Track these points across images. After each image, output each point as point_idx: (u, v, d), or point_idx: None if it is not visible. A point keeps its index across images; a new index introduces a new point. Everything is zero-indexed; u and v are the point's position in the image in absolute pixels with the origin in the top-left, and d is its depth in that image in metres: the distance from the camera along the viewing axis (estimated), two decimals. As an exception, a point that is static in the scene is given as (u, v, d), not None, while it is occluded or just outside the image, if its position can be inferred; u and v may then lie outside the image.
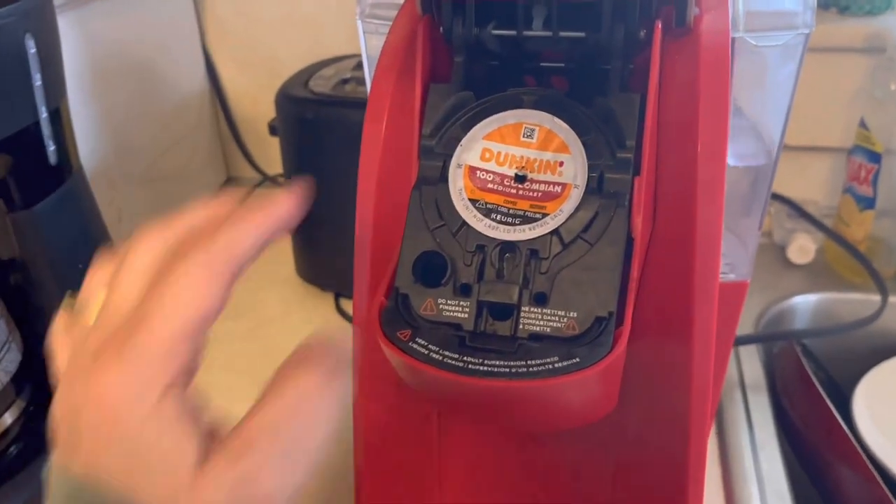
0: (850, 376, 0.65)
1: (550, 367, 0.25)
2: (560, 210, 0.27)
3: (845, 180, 0.72)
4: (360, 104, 0.62)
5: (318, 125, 0.63)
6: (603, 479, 0.34)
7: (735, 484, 0.50)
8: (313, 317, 0.69)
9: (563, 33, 0.29)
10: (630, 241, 0.27)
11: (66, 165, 0.49)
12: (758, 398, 0.58)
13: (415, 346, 0.26)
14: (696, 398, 0.31)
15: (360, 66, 0.70)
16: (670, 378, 0.31)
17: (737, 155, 0.38)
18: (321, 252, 0.69)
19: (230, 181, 0.94)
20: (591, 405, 0.28)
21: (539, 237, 0.27)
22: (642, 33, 0.28)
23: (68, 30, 0.61)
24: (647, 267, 0.29)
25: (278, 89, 0.66)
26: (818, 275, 0.73)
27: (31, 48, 0.44)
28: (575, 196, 0.27)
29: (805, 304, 0.70)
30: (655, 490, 0.33)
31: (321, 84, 0.65)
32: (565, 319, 0.26)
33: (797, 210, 0.72)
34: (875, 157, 0.67)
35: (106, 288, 0.26)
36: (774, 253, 0.75)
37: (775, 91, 0.36)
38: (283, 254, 0.75)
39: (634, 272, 0.27)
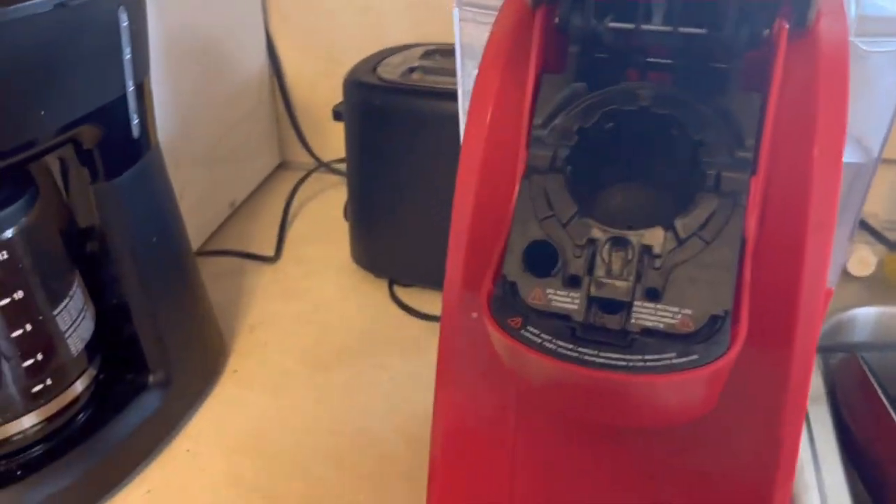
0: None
1: (668, 362, 0.24)
2: (674, 207, 0.27)
3: (911, 194, 0.70)
4: (428, 93, 0.63)
5: (385, 112, 0.63)
6: (680, 484, 0.34)
7: (797, 498, 0.50)
8: (367, 303, 0.69)
9: (682, 29, 0.28)
10: (744, 242, 0.27)
11: (146, 140, 0.50)
12: (818, 409, 0.57)
13: (527, 333, 0.26)
14: (791, 408, 0.31)
15: (427, 54, 0.70)
16: (766, 385, 0.31)
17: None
18: (378, 239, 0.70)
19: (283, 166, 0.94)
20: (693, 405, 0.28)
21: (653, 233, 0.27)
22: (766, 32, 0.28)
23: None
24: (755, 268, 0.28)
25: (346, 74, 0.66)
26: (877, 287, 0.72)
27: (124, 21, 0.44)
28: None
29: (865, 316, 0.69)
30: (737, 501, 0.33)
31: (389, 71, 0.65)
32: (679, 316, 0.26)
33: (859, 222, 0.71)
34: (946, 172, 0.66)
35: None
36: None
37: (880, 98, 0.35)
38: (341, 238, 0.76)
39: (746, 274, 0.27)
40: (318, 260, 0.76)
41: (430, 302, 0.68)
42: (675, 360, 0.24)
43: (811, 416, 0.56)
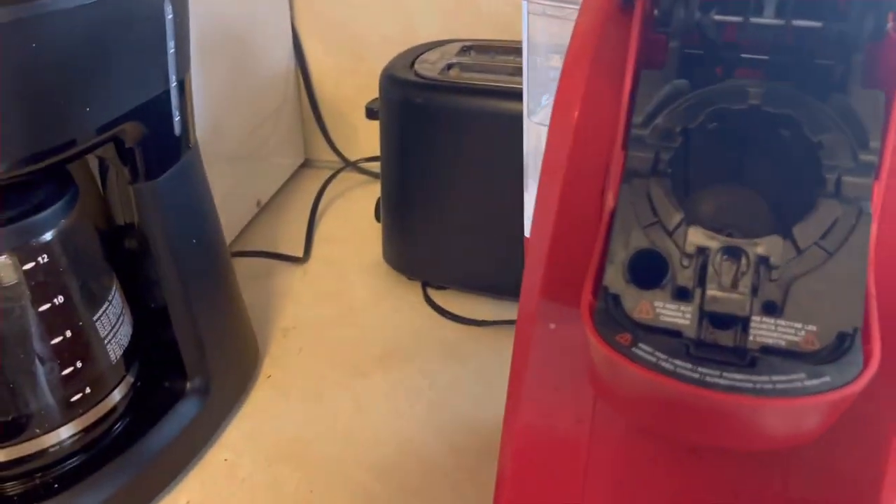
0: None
1: (799, 384, 0.23)
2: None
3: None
4: (468, 90, 0.61)
5: (425, 110, 0.61)
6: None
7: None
8: (402, 305, 0.68)
9: (796, 22, 0.26)
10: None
11: (186, 138, 0.48)
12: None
13: (639, 352, 0.24)
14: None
15: (463, 51, 0.68)
16: (871, 405, 0.29)
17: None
18: (413, 240, 0.68)
19: (307, 164, 0.92)
20: (811, 430, 0.26)
21: (769, 241, 0.25)
22: (890, 25, 0.26)
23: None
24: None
25: (382, 71, 0.64)
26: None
27: (169, 14, 0.42)
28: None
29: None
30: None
31: (427, 68, 0.63)
32: (803, 333, 0.24)
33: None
34: None
35: None
36: None
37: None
38: (371, 238, 0.74)
39: (871, 286, 0.25)
40: (348, 261, 0.74)
41: (465, 305, 0.67)
42: (807, 383, 0.23)
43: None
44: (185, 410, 0.50)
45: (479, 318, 0.65)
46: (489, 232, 0.63)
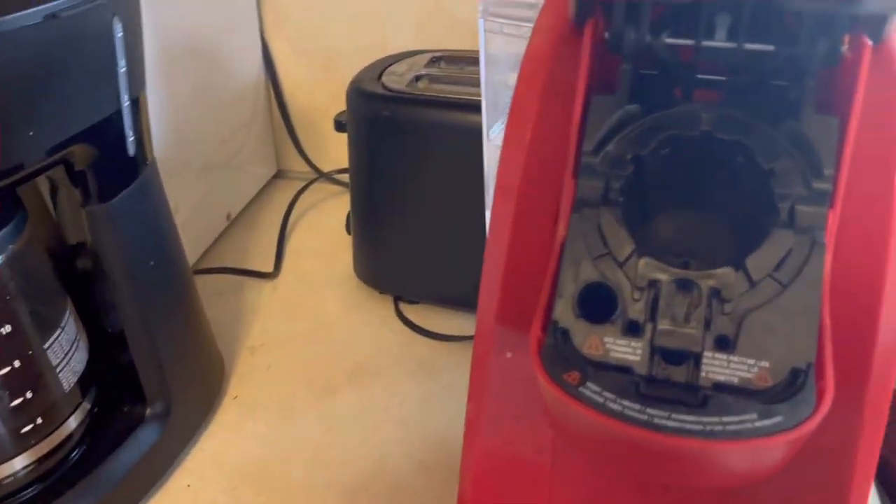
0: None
1: (750, 426, 0.22)
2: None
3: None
4: (436, 103, 0.60)
5: (392, 123, 0.60)
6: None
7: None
8: (373, 320, 0.66)
9: (748, 46, 0.26)
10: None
11: (142, 157, 0.47)
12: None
13: (587, 391, 0.23)
14: (860, 467, 0.28)
15: (432, 62, 0.67)
16: (835, 437, 0.28)
17: None
18: (383, 254, 0.67)
19: (279, 175, 0.91)
20: (768, 467, 0.25)
21: (722, 274, 0.24)
22: (844, 49, 0.25)
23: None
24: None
25: (350, 84, 0.63)
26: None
27: (119, 32, 0.41)
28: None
29: None
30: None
31: (395, 80, 0.62)
32: (756, 369, 0.23)
33: None
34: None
35: None
36: None
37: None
38: (343, 251, 0.73)
39: (825, 319, 0.24)
40: (320, 275, 0.73)
41: (437, 320, 0.66)
42: (757, 423, 0.22)
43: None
44: (145, 436, 0.49)
45: (452, 332, 0.64)
46: (461, 245, 0.62)
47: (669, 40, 0.26)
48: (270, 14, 0.83)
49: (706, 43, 0.26)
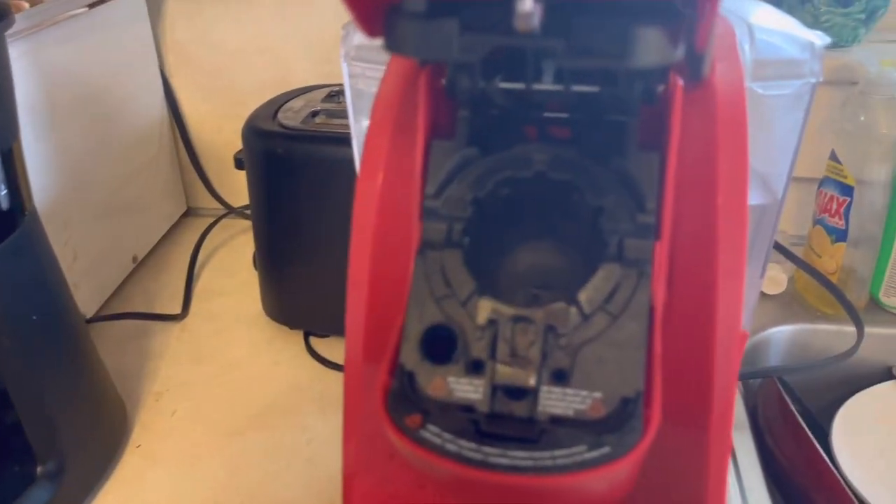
0: (824, 405, 0.65)
1: (578, 458, 0.23)
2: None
3: (815, 212, 0.72)
4: (332, 139, 0.60)
5: (288, 160, 0.60)
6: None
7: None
8: (282, 358, 0.66)
9: (575, 87, 0.27)
10: (651, 312, 0.25)
11: (19, 210, 0.46)
12: (742, 437, 0.57)
13: (427, 434, 0.24)
14: (713, 479, 0.29)
15: (329, 97, 0.67)
16: (686, 453, 0.29)
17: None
18: (289, 289, 0.66)
19: (190, 213, 0.90)
20: (611, 491, 0.26)
21: (557, 310, 0.25)
22: (661, 88, 0.27)
23: (18, 61, 0.58)
24: (663, 336, 0.27)
25: (245, 122, 0.63)
26: (790, 305, 0.73)
27: (-18, 86, 0.40)
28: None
29: (780, 335, 0.70)
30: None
31: (290, 117, 0.62)
32: (589, 400, 0.24)
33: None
34: (847, 190, 0.67)
35: None
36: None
37: (781, 139, 0.35)
38: (253, 289, 0.72)
39: (657, 347, 0.25)
40: (229, 314, 0.72)
41: (348, 353, 0.65)
42: (586, 455, 0.23)
43: (736, 448, 0.56)
44: (37, 496, 0.47)
45: (361, 365, 0.64)
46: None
47: (503, 85, 0.27)
48: (171, 53, 0.82)
49: (536, 86, 0.27)
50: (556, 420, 0.24)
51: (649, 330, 0.25)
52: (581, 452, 0.23)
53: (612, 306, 0.25)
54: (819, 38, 0.31)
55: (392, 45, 0.23)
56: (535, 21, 0.20)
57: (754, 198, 0.36)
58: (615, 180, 0.26)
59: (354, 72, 0.37)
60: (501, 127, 0.29)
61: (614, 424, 0.23)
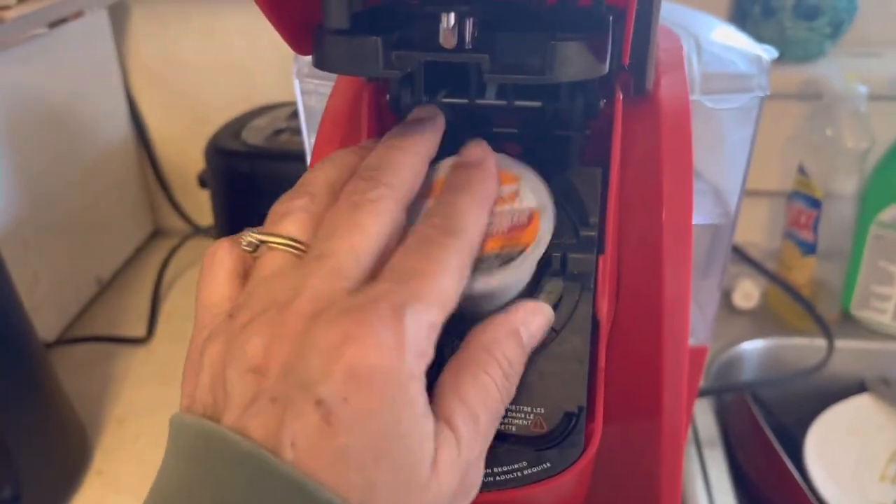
0: (798, 419, 0.65)
1: (519, 474, 0.22)
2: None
3: (785, 225, 0.72)
4: (296, 156, 0.60)
5: (252, 178, 0.59)
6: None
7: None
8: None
9: (518, 103, 0.27)
10: (596, 326, 0.25)
11: (-29, 231, 0.45)
12: (713, 454, 0.57)
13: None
14: (666, 483, 0.29)
15: (295, 115, 0.67)
16: (639, 461, 0.29)
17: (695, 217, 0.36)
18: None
19: (158, 233, 0.89)
20: (565, 497, 0.25)
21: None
22: (602, 103, 0.26)
23: (-24, 80, 0.57)
24: (611, 349, 0.27)
25: (208, 141, 0.62)
26: (763, 319, 0.73)
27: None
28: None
29: (752, 350, 0.69)
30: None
31: (254, 135, 0.62)
32: (531, 416, 0.24)
33: (740, 254, 0.72)
34: (815, 203, 0.67)
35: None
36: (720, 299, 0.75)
37: (732, 153, 0.35)
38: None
39: (601, 360, 0.25)
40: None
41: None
42: (526, 472, 0.22)
43: (706, 460, 0.56)
44: (-11, 525, 0.46)
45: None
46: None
47: (446, 100, 0.27)
48: (136, 72, 0.82)
49: (480, 101, 0.27)
50: (501, 437, 0.23)
51: (593, 344, 0.24)
52: (522, 468, 0.22)
53: (556, 321, 0.25)
54: (766, 53, 0.31)
55: (320, 62, 0.23)
56: (456, 38, 0.20)
57: (709, 212, 0.36)
58: (558, 195, 0.26)
59: (307, 88, 0.36)
60: (451, 143, 0.29)
61: (556, 439, 0.23)
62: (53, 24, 0.65)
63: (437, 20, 0.21)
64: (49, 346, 0.67)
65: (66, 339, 0.69)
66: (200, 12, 0.78)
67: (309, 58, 0.37)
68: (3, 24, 0.58)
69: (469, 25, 0.21)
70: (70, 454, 0.54)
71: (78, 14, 0.69)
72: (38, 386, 0.51)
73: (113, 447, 0.58)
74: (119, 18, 0.79)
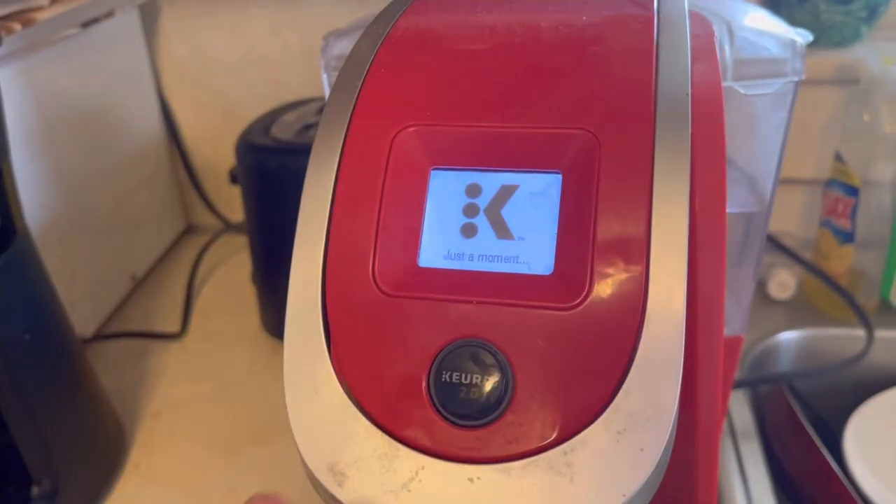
0: (836, 411, 0.63)
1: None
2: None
3: (822, 214, 0.71)
4: (325, 151, 0.60)
5: (281, 174, 0.60)
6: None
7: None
8: (281, 373, 0.65)
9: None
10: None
11: (10, 229, 0.46)
12: (750, 446, 0.56)
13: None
14: (702, 475, 0.29)
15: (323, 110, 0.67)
16: (674, 453, 0.28)
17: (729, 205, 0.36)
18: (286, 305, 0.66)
19: (190, 230, 0.90)
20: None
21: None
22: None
23: (12, 82, 0.58)
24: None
25: (238, 137, 0.63)
26: (799, 309, 0.71)
27: (-33, 107, 0.40)
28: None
29: (789, 341, 0.68)
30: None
31: (284, 130, 0.62)
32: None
33: (775, 243, 0.71)
34: (853, 191, 0.66)
35: None
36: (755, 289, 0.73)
37: (766, 139, 0.34)
38: (249, 307, 0.72)
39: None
40: (228, 332, 0.71)
41: (347, 367, 0.65)
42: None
43: (743, 455, 0.55)
44: (31, 518, 0.47)
45: (360, 379, 0.63)
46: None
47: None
48: (167, 70, 0.83)
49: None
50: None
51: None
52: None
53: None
54: (800, 36, 0.31)
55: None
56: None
57: (743, 201, 0.35)
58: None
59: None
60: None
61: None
62: (85, 25, 0.66)
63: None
64: (86, 341, 0.69)
65: (103, 336, 0.70)
66: (229, 10, 0.79)
67: (338, 51, 0.37)
68: (36, 24, 0.59)
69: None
70: (107, 448, 0.55)
71: (109, 14, 0.70)
72: (76, 381, 0.52)
73: (149, 441, 0.59)
74: (150, 18, 0.80)
